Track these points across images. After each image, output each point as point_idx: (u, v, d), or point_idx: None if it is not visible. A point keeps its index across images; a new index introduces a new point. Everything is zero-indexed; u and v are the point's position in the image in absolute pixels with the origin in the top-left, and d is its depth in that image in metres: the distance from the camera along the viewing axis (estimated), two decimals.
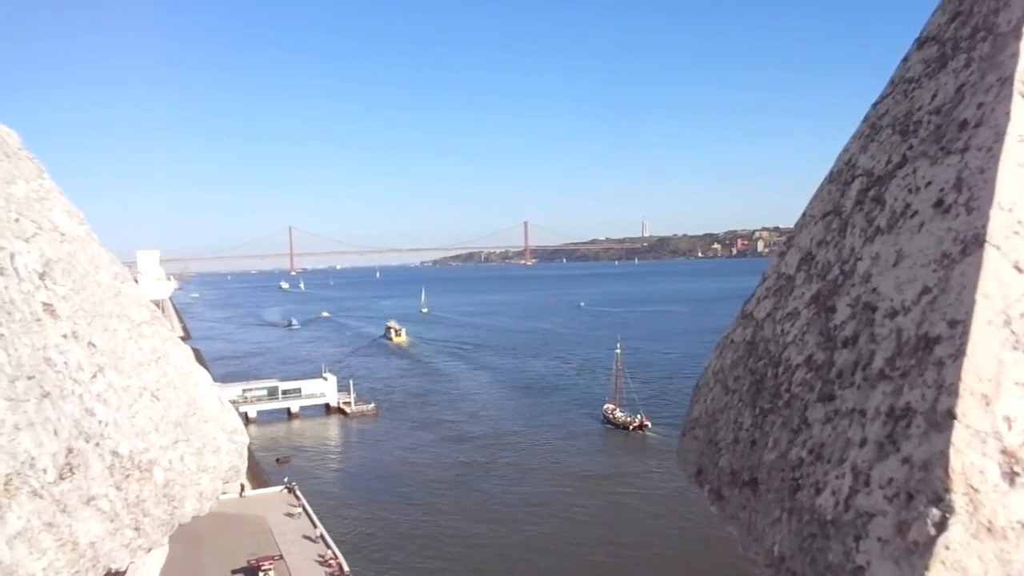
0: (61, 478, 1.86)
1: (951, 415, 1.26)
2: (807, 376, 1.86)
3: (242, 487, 62.29)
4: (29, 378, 1.87)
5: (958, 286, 1.40)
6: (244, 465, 2.75)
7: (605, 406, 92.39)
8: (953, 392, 1.27)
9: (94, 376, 2.13)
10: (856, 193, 2.15)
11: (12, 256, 2.05)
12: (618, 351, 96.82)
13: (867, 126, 2.34)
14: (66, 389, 1.99)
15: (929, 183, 1.68)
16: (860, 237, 1.92)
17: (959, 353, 1.31)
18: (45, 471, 1.81)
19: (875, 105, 2.37)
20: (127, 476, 2.09)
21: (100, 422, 2.06)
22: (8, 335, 1.89)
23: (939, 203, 1.60)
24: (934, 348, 1.37)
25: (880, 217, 1.85)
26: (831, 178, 2.46)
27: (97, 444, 2.01)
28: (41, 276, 2.14)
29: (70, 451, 1.90)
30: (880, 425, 1.42)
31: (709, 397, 2.68)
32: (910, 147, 1.87)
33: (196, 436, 2.46)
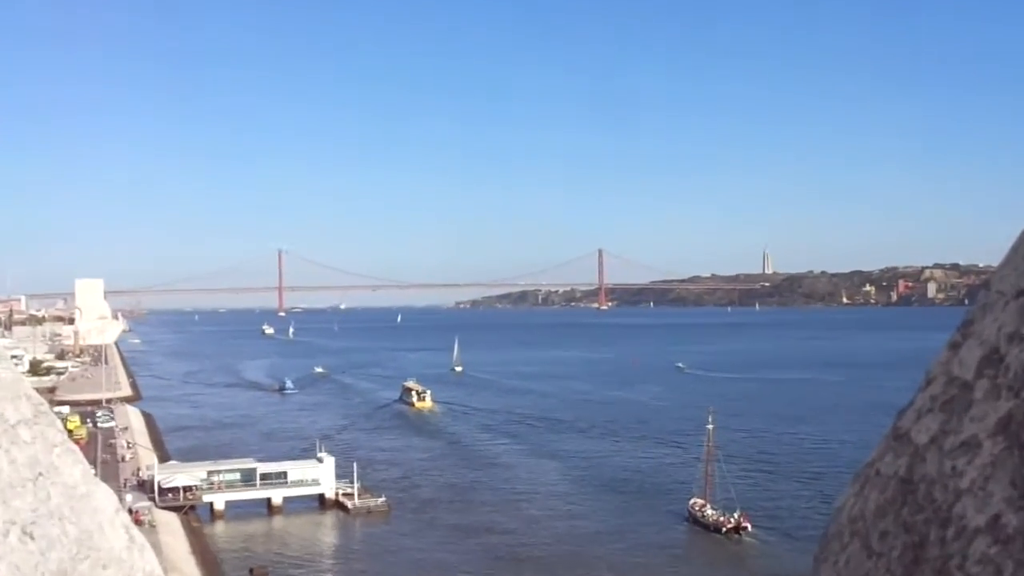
0: None
1: None
2: (991, 551, 1.67)
3: None
4: None
5: None
6: None
7: (692, 500, 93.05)
8: None
9: None
10: None
11: None
12: (710, 427, 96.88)
13: None
14: None
15: None
16: None
17: None
18: None
19: None
20: None
21: None
22: None
23: None
24: None
25: None
26: None
27: None
28: None
29: None
30: None
31: (843, 558, 2.47)
32: None
33: None
